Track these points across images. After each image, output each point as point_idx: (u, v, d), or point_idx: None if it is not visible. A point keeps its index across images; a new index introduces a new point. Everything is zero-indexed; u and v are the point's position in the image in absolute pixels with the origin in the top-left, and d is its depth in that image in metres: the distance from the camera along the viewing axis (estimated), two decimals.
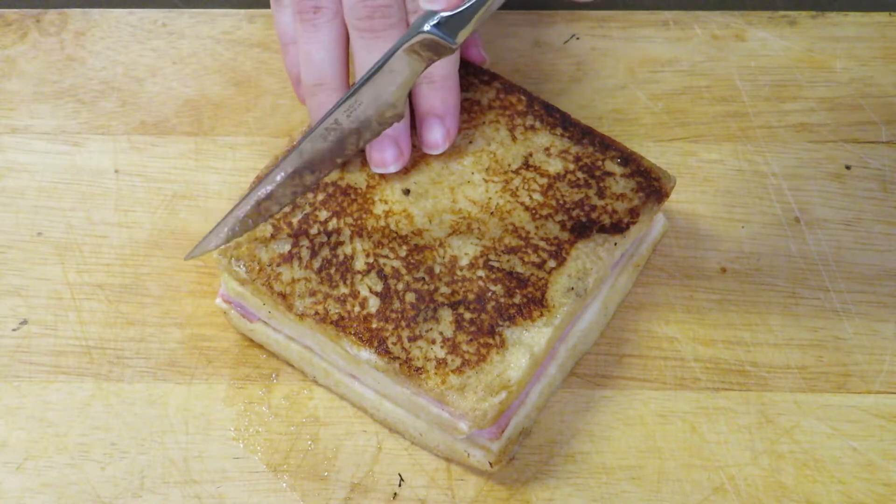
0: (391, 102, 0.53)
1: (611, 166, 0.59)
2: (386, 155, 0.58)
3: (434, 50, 0.50)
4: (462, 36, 0.49)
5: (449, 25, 0.49)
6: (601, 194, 0.58)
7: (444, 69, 0.58)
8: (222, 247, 0.56)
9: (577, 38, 0.73)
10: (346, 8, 0.58)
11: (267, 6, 0.68)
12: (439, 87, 0.58)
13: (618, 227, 0.57)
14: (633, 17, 0.74)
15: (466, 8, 0.49)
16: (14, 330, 0.60)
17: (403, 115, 0.54)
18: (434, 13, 0.49)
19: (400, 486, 0.55)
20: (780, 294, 0.62)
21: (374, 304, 0.54)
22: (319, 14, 0.58)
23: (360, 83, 0.52)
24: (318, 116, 0.59)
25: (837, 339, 0.60)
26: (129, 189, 0.66)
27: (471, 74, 0.63)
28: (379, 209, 0.57)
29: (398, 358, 0.53)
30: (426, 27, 0.49)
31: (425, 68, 0.52)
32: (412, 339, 0.53)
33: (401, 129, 0.58)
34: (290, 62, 0.63)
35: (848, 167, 0.68)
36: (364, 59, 0.58)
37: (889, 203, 0.66)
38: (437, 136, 0.59)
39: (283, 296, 0.55)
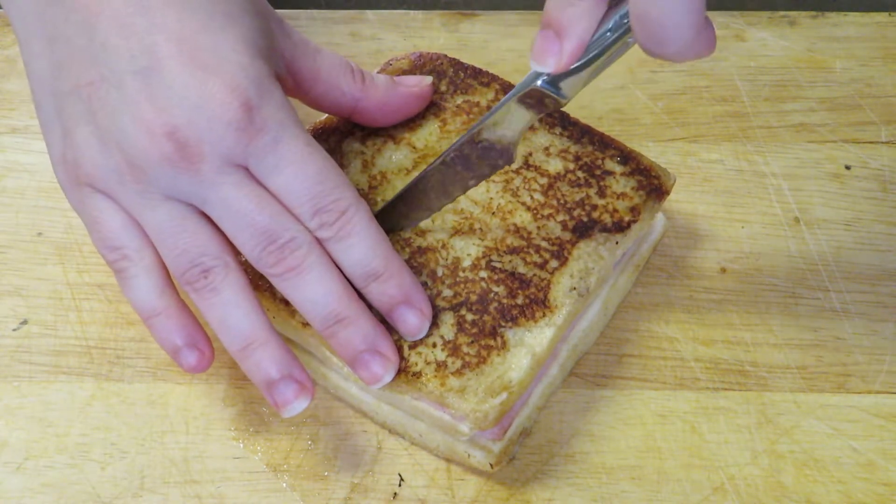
0: (502, 150, 0.53)
1: (610, 165, 0.59)
2: (374, 369, 0.52)
3: (543, 103, 0.50)
4: (573, 91, 0.49)
5: (559, 81, 0.49)
6: (602, 193, 0.58)
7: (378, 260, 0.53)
8: None
9: None
10: (251, 262, 0.51)
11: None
12: (385, 278, 0.52)
13: (619, 226, 0.57)
14: None
15: (577, 66, 0.48)
16: (14, 330, 0.60)
17: (513, 161, 0.54)
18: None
19: (400, 486, 0.55)
20: (780, 294, 0.62)
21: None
22: (211, 275, 0.51)
23: (475, 127, 0.52)
24: (258, 377, 0.52)
25: (837, 339, 0.60)
26: None
27: (470, 76, 0.63)
28: None
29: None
30: (538, 82, 0.49)
31: (532, 120, 0.51)
32: (413, 347, 0.53)
33: (378, 333, 0.53)
34: (162, 336, 0.54)
35: (848, 167, 0.68)
36: (300, 297, 0.51)
37: (889, 203, 0.66)
38: (412, 321, 0.53)
39: (286, 303, 0.54)
